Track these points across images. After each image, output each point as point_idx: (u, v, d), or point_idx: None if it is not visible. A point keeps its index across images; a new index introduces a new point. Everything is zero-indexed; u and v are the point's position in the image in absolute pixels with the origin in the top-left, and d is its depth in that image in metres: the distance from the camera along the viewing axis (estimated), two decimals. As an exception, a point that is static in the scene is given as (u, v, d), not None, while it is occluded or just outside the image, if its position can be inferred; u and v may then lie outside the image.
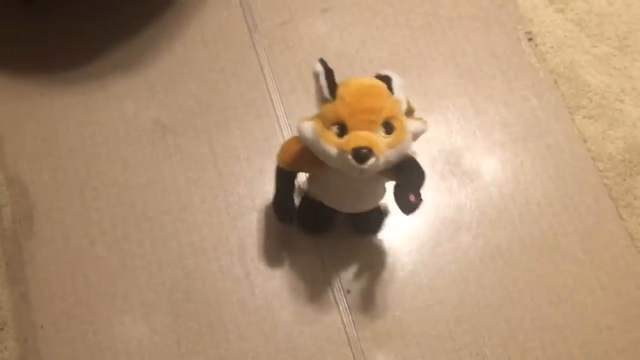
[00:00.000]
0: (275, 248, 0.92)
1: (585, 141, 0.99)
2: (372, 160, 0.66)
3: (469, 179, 0.97)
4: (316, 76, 0.70)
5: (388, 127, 0.68)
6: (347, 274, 0.91)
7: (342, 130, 0.68)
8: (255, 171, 0.96)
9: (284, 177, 0.82)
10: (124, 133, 0.96)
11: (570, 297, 0.91)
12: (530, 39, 1.06)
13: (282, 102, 1.00)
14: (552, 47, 1.05)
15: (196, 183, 0.95)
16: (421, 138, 0.97)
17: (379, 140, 0.67)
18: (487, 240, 0.94)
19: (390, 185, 0.75)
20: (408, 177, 0.73)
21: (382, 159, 0.67)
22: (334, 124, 0.68)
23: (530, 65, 1.04)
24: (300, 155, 0.76)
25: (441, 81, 1.03)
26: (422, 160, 0.96)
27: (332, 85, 0.70)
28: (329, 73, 0.70)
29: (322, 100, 0.70)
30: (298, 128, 0.71)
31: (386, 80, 0.71)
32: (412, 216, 0.92)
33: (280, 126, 0.99)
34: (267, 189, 0.95)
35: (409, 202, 0.70)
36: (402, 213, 0.71)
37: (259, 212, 0.94)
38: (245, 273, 0.91)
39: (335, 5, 1.06)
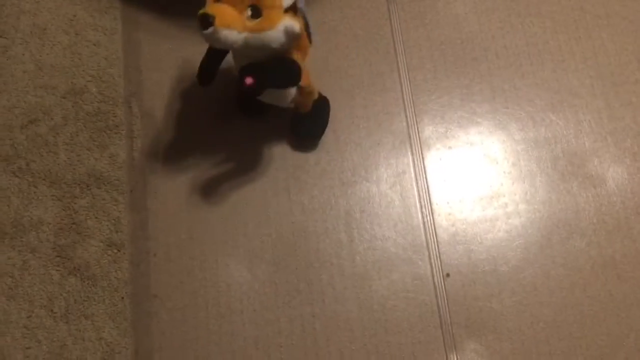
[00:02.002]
0: (381, 221, 0.93)
1: None
2: (210, 29, 0.69)
3: (591, 184, 0.93)
4: None
5: (255, 12, 0.71)
6: (449, 258, 0.91)
7: (218, 1, 0.71)
8: (372, 142, 0.97)
9: (209, 47, 0.85)
10: (253, 86, 0.99)
11: (682, 323, 0.86)
12: (681, 49, 0.99)
13: (409, 78, 1.00)
14: None
15: (313, 144, 0.97)
16: (546, 134, 0.95)
17: (231, 16, 0.70)
18: (601, 250, 0.90)
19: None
20: (263, 62, 0.74)
21: (227, 33, 0.69)
22: None
23: (678, 76, 0.98)
24: None
25: (577, 79, 0.98)
26: (545, 156, 0.94)
27: None
28: None
29: None
30: None
31: None
32: (524, 211, 0.91)
33: (404, 101, 0.98)
34: (382, 162, 0.95)
35: (243, 83, 0.72)
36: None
37: (370, 183, 0.95)
38: (349, 239, 0.92)
39: (478, -12, 1.04)
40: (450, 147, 0.96)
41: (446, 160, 0.96)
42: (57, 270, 0.90)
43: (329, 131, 0.97)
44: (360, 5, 1.04)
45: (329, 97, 0.98)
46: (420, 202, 0.94)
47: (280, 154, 0.96)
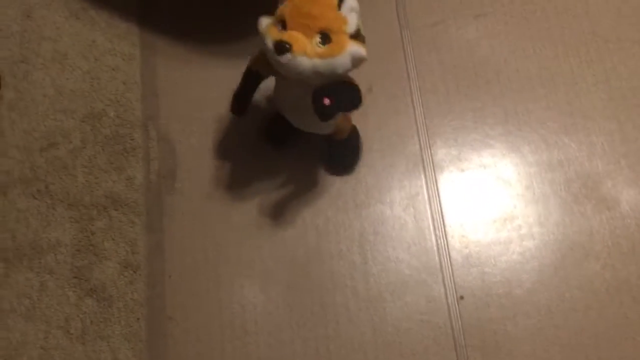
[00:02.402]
0: (395, 243, 0.93)
1: None
2: (288, 55, 0.70)
3: (605, 207, 0.93)
4: None
5: (324, 38, 0.71)
6: (463, 281, 0.91)
7: (284, 28, 0.73)
8: (385, 164, 0.98)
9: (248, 75, 0.87)
10: (267, 111, 1.01)
11: (699, 348, 0.86)
12: (693, 72, 1.00)
13: (421, 101, 1.01)
14: None
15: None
16: (559, 157, 0.96)
17: (304, 42, 0.71)
18: (616, 273, 0.90)
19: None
20: (332, 84, 0.74)
21: (302, 60, 0.70)
22: (279, 22, 0.73)
23: (690, 99, 0.98)
24: (262, 55, 0.79)
25: (589, 102, 0.99)
26: (558, 179, 0.95)
27: None
28: None
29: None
30: (258, 22, 0.76)
31: None
32: (537, 233, 0.91)
33: (417, 124, 1.00)
34: (396, 184, 0.96)
35: (321, 104, 0.72)
36: (319, 117, 0.73)
37: (384, 205, 0.95)
38: (363, 261, 0.93)
39: (490, 11, 1.06)
40: (463, 170, 0.97)
41: (459, 183, 0.96)
42: (74, 291, 0.92)
43: (342, 154, 0.98)
44: (374, 30, 1.05)
45: (342, 120, 1.00)
46: (433, 224, 0.94)
47: (294, 177, 0.97)
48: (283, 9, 0.73)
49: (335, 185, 0.96)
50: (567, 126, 0.98)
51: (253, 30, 1.05)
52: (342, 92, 0.76)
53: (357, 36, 0.74)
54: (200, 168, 0.98)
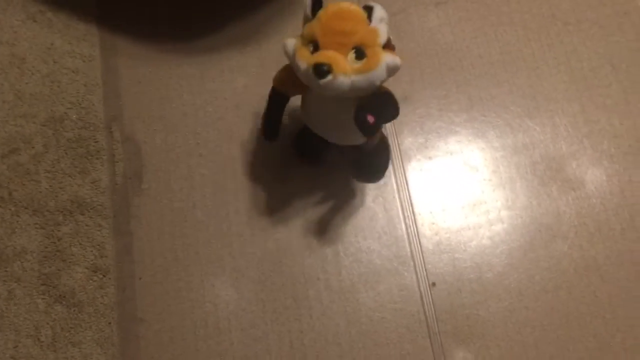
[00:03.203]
0: (366, 234, 0.93)
1: (701, 162, 0.94)
2: (329, 77, 0.68)
3: (570, 188, 0.94)
4: None
5: (359, 53, 0.70)
6: (434, 267, 0.91)
7: (315, 48, 0.71)
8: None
9: (274, 97, 0.85)
10: (232, 105, 1.00)
11: (667, 321, 0.87)
12: (652, 50, 1.01)
13: (386, 91, 1.01)
14: (675, 61, 1.00)
15: (294, 160, 0.97)
16: (524, 140, 0.96)
17: (342, 61, 0.69)
18: (583, 252, 0.91)
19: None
20: (372, 100, 0.74)
21: (342, 79, 0.69)
22: (309, 42, 0.72)
23: (650, 78, 1.00)
24: (288, 76, 0.79)
25: (552, 85, 1.00)
26: (524, 162, 0.95)
27: (316, 6, 0.72)
28: None
29: (305, 19, 0.73)
30: (283, 44, 0.75)
31: (369, 9, 0.72)
32: (506, 217, 0.92)
33: (382, 114, 0.99)
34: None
35: (366, 123, 0.71)
36: (362, 135, 0.73)
37: (354, 197, 0.95)
38: (334, 253, 0.92)
39: (451, -1, 1.06)
40: (430, 158, 0.97)
41: (427, 171, 0.97)
42: (42, 298, 0.90)
43: (309, 147, 0.98)
44: (335, 21, 1.05)
45: (308, 113, 0.99)
46: (403, 213, 0.94)
47: (262, 172, 0.97)
48: (312, 29, 0.71)
49: (303, 179, 0.96)
50: (531, 109, 0.99)
51: (213, 26, 1.05)
52: (382, 106, 0.75)
53: (388, 45, 0.73)
54: (166, 168, 0.97)
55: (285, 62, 0.78)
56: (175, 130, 0.99)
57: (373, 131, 0.74)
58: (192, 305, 0.90)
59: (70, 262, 0.92)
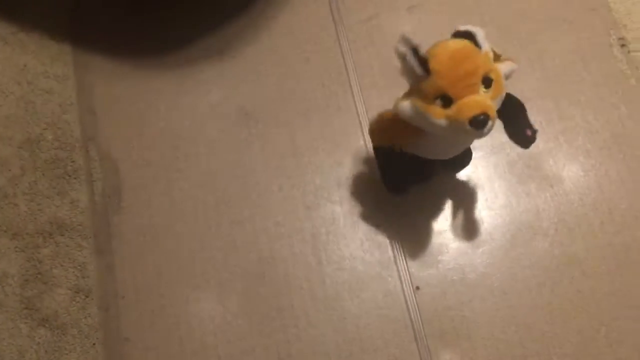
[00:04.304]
0: (348, 241, 0.93)
1: (676, 153, 0.95)
2: (490, 124, 0.67)
3: (548, 185, 0.95)
4: (402, 57, 0.70)
5: (487, 82, 0.69)
6: (418, 271, 0.91)
7: (446, 100, 0.68)
8: (332, 163, 0.98)
9: (384, 154, 0.85)
10: (209, 118, 1.00)
11: (649, 313, 0.88)
12: (622, 45, 1.02)
13: (362, 97, 1.01)
14: (646, 54, 1.01)
15: (275, 170, 0.97)
16: (501, 139, 0.97)
17: (488, 102, 0.68)
18: (564, 248, 0.91)
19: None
20: (516, 114, 0.75)
21: (495, 120, 0.68)
22: (436, 97, 0.69)
23: (621, 72, 1.00)
24: (391, 131, 0.78)
25: (525, 83, 1.01)
26: (502, 161, 0.96)
27: (423, 61, 0.69)
28: (415, 50, 0.69)
29: (416, 78, 0.70)
30: (398, 108, 0.72)
31: (469, 36, 0.70)
32: (486, 217, 0.93)
33: (360, 120, 1.00)
34: (344, 182, 0.96)
35: (527, 137, 0.74)
36: (521, 148, 0.75)
37: (334, 204, 0.95)
38: (317, 262, 0.92)
39: (422, 2, 1.06)
40: (409, 161, 0.98)
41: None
42: (25, 322, 0.89)
43: (288, 155, 0.98)
44: (308, 29, 1.06)
45: (286, 122, 0.99)
46: (385, 218, 0.94)
47: (243, 182, 0.97)
48: (434, 84, 0.68)
49: (284, 190, 0.96)
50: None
51: (186, 40, 1.05)
52: (520, 113, 0.76)
53: (496, 56, 0.73)
54: (145, 184, 0.97)
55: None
56: (153, 145, 0.99)
57: (534, 139, 0.75)
58: (177, 321, 0.90)
59: (52, 284, 0.91)
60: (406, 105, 0.71)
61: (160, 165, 0.97)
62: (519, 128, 0.73)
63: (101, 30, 1.06)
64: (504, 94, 0.71)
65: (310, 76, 1.02)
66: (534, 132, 0.74)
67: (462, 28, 0.71)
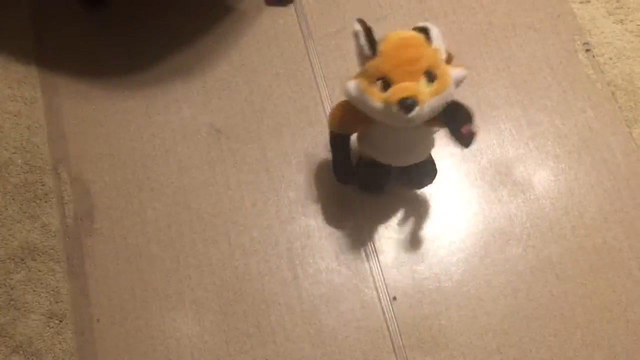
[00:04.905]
0: (324, 254, 0.93)
1: (643, 155, 0.97)
2: (417, 109, 0.68)
3: (520, 190, 0.96)
4: (356, 35, 0.72)
5: (430, 76, 0.70)
6: (394, 281, 0.92)
7: (386, 84, 0.70)
8: (305, 177, 0.98)
9: (337, 141, 0.85)
10: (180, 136, 1.00)
11: (623, 314, 0.89)
12: (587, 50, 1.04)
13: (333, 109, 1.02)
14: (610, 59, 1.03)
15: (248, 186, 0.97)
16: (471, 147, 0.98)
17: (422, 89, 0.69)
18: (537, 253, 0.92)
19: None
20: (455, 114, 0.74)
21: (426, 107, 0.69)
22: (378, 79, 0.71)
23: (587, 77, 1.02)
24: (347, 117, 0.78)
25: (493, 91, 1.02)
26: (473, 169, 0.97)
27: (373, 43, 0.71)
28: (368, 31, 0.72)
29: (364, 58, 0.72)
30: (344, 87, 0.74)
31: (424, 31, 0.72)
32: (460, 225, 0.93)
33: (331, 133, 1.00)
34: (317, 195, 0.96)
35: (463, 135, 0.72)
36: (462, 148, 0.74)
37: (308, 218, 0.95)
38: (293, 276, 0.92)
39: (389, 13, 1.07)
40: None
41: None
42: (-2, 350, 0.88)
43: (261, 170, 0.98)
44: (278, 44, 1.06)
45: (257, 137, 0.99)
46: (359, 230, 0.95)
47: (216, 200, 0.96)
48: (377, 65, 0.70)
49: (257, 205, 0.96)
50: (476, 117, 1.00)
51: (155, 58, 1.05)
52: (461, 113, 0.75)
53: (448, 58, 0.73)
54: (117, 205, 0.96)
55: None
56: (124, 166, 0.98)
57: (473, 140, 0.74)
58: (154, 342, 0.89)
59: (25, 310, 0.90)
60: (352, 84, 0.73)
61: (132, 185, 0.97)
62: (457, 126, 0.73)
63: (67, 51, 1.05)
64: (447, 94, 0.71)
65: (281, 91, 1.02)
66: (473, 131, 0.74)
67: (421, 24, 0.73)
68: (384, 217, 0.95)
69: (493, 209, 0.95)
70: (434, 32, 0.72)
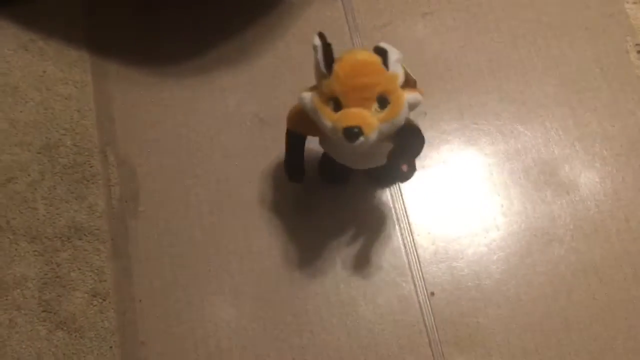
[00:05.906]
0: (363, 246, 0.94)
1: (694, 160, 0.95)
2: (361, 140, 0.67)
3: (564, 191, 0.95)
4: (315, 49, 0.71)
5: (382, 102, 0.69)
6: (432, 277, 0.92)
7: (337, 105, 0.70)
8: (347, 169, 0.98)
9: (292, 139, 0.84)
10: (225, 124, 1.01)
11: (667, 321, 0.87)
12: (639, 52, 1.02)
13: (377, 103, 1.02)
14: (663, 60, 1.01)
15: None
16: (516, 146, 0.97)
17: (370, 118, 0.68)
18: (580, 255, 0.91)
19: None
20: (402, 146, 0.73)
21: (372, 137, 0.68)
22: (329, 99, 0.70)
23: (638, 78, 1.00)
24: (305, 120, 0.77)
25: (541, 90, 1.01)
26: (517, 168, 0.96)
27: (330, 60, 0.71)
28: (326, 48, 0.71)
29: (319, 74, 0.72)
30: (299, 97, 0.74)
31: (383, 53, 0.71)
32: (501, 223, 0.92)
33: (374, 126, 1.00)
34: (354, 191, 0.96)
35: (401, 172, 0.72)
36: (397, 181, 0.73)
37: (349, 210, 0.95)
38: (332, 267, 0.93)
39: (437, 9, 1.07)
40: (424, 167, 0.98)
41: (421, 180, 0.97)
42: (43, 325, 0.91)
43: (303, 162, 0.99)
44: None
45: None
46: (399, 223, 0.95)
47: (257, 190, 0.97)
48: (331, 86, 0.70)
49: (297, 194, 0.97)
50: (521, 115, 0.99)
51: (202, 47, 1.06)
52: (411, 147, 0.74)
53: (407, 81, 0.73)
54: (162, 189, 0.98)
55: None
56: (170, 151, 1.00)
57: (409, 177, 0.74)
58: (193, 325, 0.90)
59: (70, 287, 0.92)
60: (307, 96, 0.73)
61: (176, 171, 0.98)
62: (397, 161, 0.72)
63: (118, 37, 1.07)
64: (399, 120, 0.70)
65: (326, 82, 1.03)
66: (412, 169, 0.74)
67: (382, 45, 0.72)
68: (425, 212, 0.95)
69: (536, 208, 0.94)
70: (393, 56, 0.70)
